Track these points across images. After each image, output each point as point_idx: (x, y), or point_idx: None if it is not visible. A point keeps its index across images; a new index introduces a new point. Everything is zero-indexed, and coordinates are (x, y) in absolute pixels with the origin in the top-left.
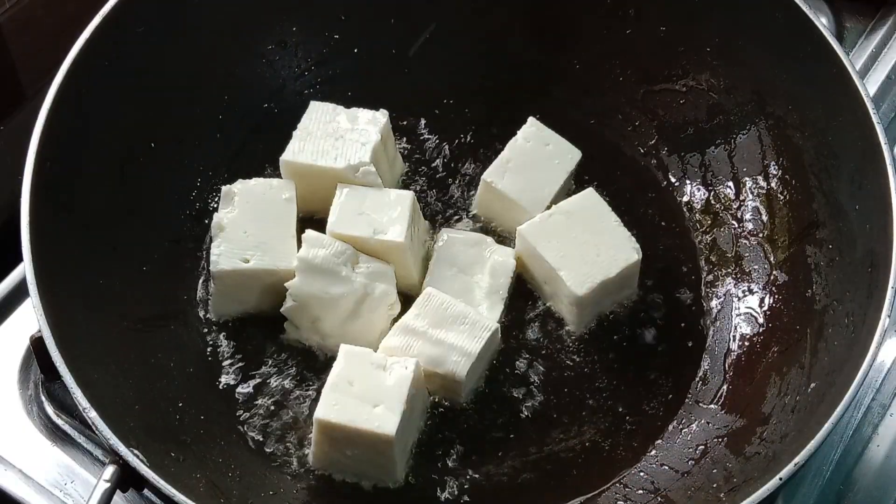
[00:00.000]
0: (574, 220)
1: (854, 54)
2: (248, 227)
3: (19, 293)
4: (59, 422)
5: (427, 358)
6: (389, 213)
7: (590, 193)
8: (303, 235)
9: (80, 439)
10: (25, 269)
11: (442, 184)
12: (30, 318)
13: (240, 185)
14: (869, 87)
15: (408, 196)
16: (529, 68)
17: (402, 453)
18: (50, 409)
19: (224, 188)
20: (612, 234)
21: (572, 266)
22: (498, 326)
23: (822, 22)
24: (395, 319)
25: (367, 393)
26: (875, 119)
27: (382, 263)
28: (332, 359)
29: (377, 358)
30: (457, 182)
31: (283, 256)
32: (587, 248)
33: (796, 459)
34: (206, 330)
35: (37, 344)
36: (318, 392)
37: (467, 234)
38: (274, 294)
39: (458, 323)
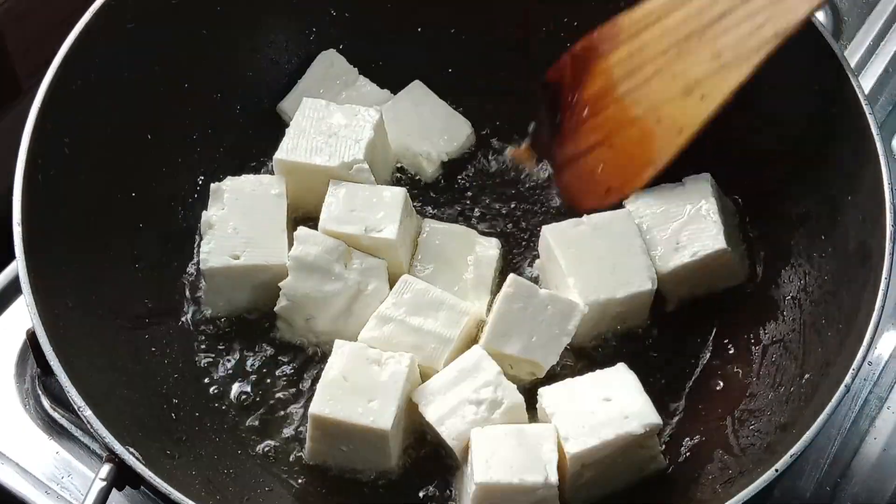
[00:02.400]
0: (599, 234)
1: (851, 47)
2: (237, 224)
3: (15, 287)
4: (56, 415)
5: (406, 346)
6: (382, 211)
7: (623, 214)
8: (295, 233)
9: (77, 433)
10: (18, 267)
11: (436, 181)
12: (26, 313)
13: (229, 182)
14: (867, 81)
15: (400, 193)
16: (523, 64)
17: (398, 445)
18: (46, 403)
19: (213, 185)
20: (632, 258)
21: (582, 276)
22: (475, 309)
23: (819, 14)
24: None
25: (361, 388)
26: (868, 110)
27: (375, 259)
28: (326, 355)
29: (372, 353)
30: (451, 179)
31: (274, 252)
32: (603, 264)
33: (792, 451)
34: (199, 327)
35: (33, 338)
36: (312, 388)
37: (451, 226)
38: (266, 290)
39: (435, 309)
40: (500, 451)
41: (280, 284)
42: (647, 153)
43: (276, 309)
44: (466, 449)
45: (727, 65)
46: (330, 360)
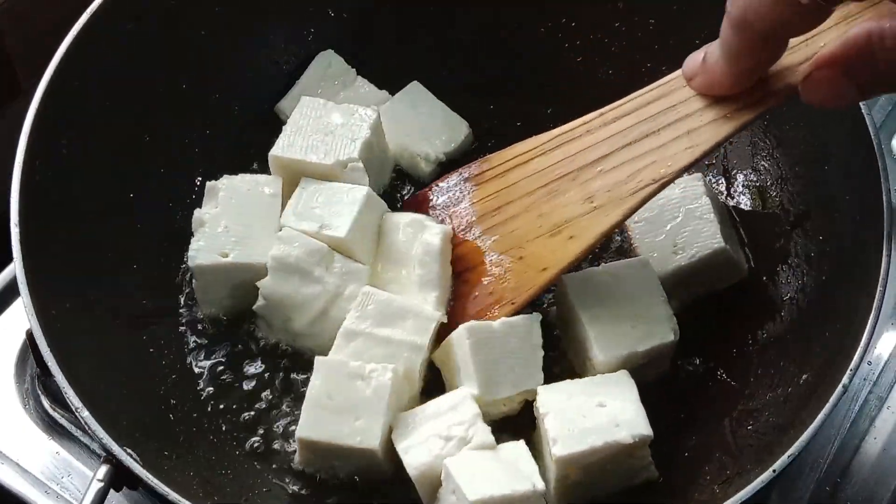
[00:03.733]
0: (619, 284)
1: None
2: (229, 223)
3: (15, 287)
4: (56, 415)
5: (378, 358)
6: (340, 209)
7: (642, 262)
8: (278, 234)
9: (77, 433)
10: (16, 267)
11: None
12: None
13: (225, 181)
14: None
15: (361, 191)
16: (521, 64)
17: (389, 455)
18: (46, 403)
19: (208, 184)
20: (653, 309)
21: (604, 330)
22: (441, 314)
23: None
24: None
25: (346, 406)
26: (865, 110)
27: (356, 264)
28: (309, 356)
29: (353, 367)
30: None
31: (264, 252)
32: (623, 316)
33: (790, 451)
34: (196, 328)
35: (33, 339)
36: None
37: (401, 215)
38: (256, 290)
39: (401, 318)
40: (481, 471)
41: (258, 284)
42: (504, 290)
43: (254, 307)
44: (427, 483)
45: (600, 207)
46: (312, 379)
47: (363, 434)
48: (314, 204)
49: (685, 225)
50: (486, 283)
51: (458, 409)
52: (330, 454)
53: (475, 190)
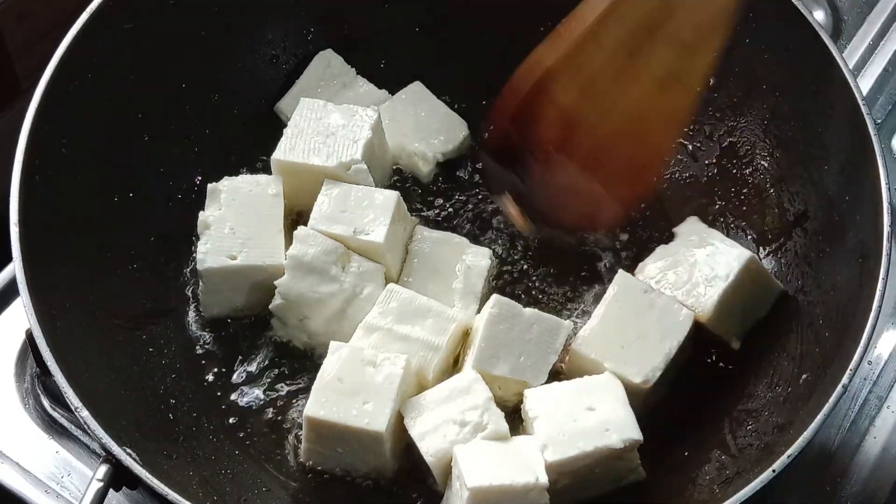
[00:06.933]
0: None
1: (851, 47)
2: (234, 225)
3: (15, 286)
4: (56, 415)
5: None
6: (372, 213)
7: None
8: (295, 232)
9: (77, 432)
10: (15, 267)
11: (432, 183)
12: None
13: (226, 183)
14: (866, 81)
15: (392, 197)
16: (518, 63)
17: (394, 447)
18: (46, 403)
19: (210, 186)
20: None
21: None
22: (462, 316)
23: (819, 13)
24: None
25: (356, 389)
26: (865, 110)
27: (373, 263)
28: (322, 356)
29: (367, 355)
30: (448, 180)
31: (271, 253)
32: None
33: (789, 451)
34: (196, 327)
35: (32, 338)
36: (308, 389)
37: (443, 234)
38: (263, 291)
39: (422, 317)
40: (486, 460)
41: (276, 283)
42: (647, 152)
43: (270, 307)
44: (444, 469)
45: (691, 47)
46: (325, 361)
47: (371, 417)
48: (343, 207)
49: (705, 258)
50: (624, 159)
51: (470, 392)
52: (335, 439)
53: (549, 86)
